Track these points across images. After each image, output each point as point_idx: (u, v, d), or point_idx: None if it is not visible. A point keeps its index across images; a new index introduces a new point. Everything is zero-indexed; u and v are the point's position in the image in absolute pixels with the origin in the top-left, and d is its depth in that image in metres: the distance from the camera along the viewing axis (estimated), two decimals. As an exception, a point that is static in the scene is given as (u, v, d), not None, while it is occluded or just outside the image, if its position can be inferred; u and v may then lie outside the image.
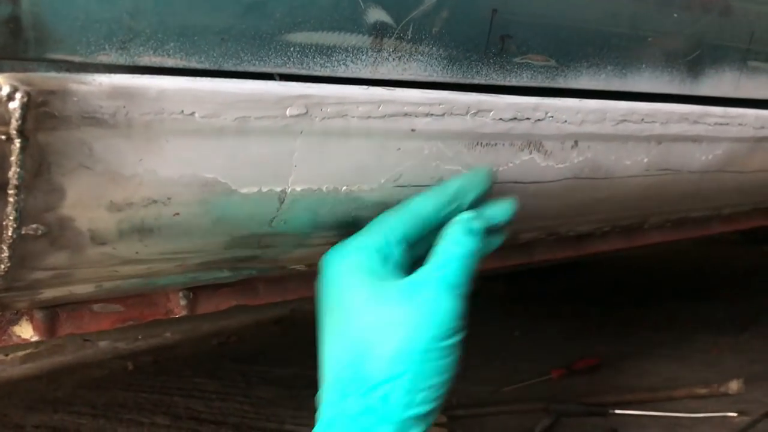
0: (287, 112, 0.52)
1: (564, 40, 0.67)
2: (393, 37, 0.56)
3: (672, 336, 2.05)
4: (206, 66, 0.48)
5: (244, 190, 0.53)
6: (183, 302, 0.64)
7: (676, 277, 2.88)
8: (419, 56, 0.58)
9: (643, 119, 0.75)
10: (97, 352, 2.44)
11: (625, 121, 0.73)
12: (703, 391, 1.58)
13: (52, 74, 0.43)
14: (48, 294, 0.55)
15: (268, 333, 2.53)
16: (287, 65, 0.52)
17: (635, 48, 0.74)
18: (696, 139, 0.82)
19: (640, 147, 0.77)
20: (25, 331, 0.57)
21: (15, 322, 0.57)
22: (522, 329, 2.21)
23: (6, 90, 0.41)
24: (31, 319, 0.58)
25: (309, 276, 0.74)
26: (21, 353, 2.43)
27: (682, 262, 3.03)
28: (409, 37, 0.56)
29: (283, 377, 1.91)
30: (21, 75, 0.41)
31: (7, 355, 2.49)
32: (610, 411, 1.50)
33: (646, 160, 0.79)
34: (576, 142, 0.71)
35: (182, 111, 0.47)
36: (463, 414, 1.53)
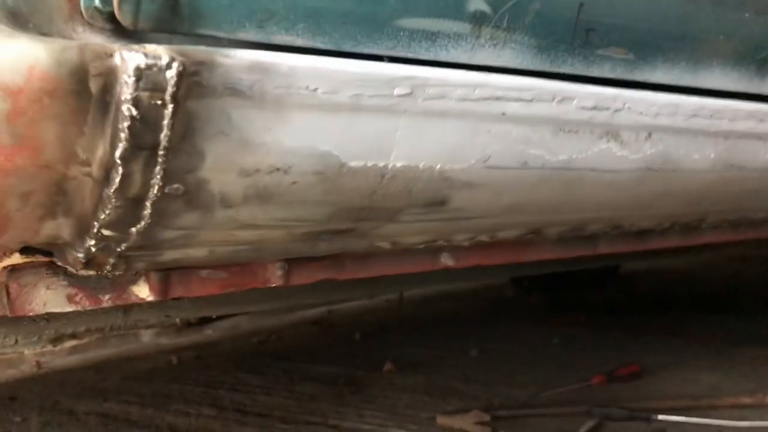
0: (395, 92, 0.56)
1: (642, 35, 0.70)
2: (490, 26, 0.60)
3: (712, 347, 2.05)
4: (328, 46, 0.53)
5: (352, 164, 0.57)
6: (279, 272, 0.69)
7: (713, 289, 2.87)
8: (512, 44, 0.62)
9: (712, 115, 0.78)
10: (141, 346, 2.49)
11: (695, 116, 0.76)
12: (747, 400, 1.58)
13: (203, 48, 0.47)
14: (167, 256, 0.59)
15: (307, 333, 2.57)
16: (396, 48, 0.56)
17: (707, 46, 0.77)
18: (762, 137, 0.84)
19: (708, 142, 0.80)
20: (143, 291, 0.62)
21: (134, 282, 0.62)
22: (561, 337, 2.22)
23: (165, 59, 0.45)
24: (148, 280, 0.62)
25: (392, 255, 0.78)
26: (68, 344, 2.50)
27: (720, 276, 3.02)
28: (505, 26, 0.60)
29: (325, 374, 1.94)
30: (177, 47, 0.46)
31: (55, 345, 2.57)
32: (654, 416, 1.51)
33: (713, 155, 0.81)
34: (650, 134, 0.74)
35: (308, 86, 0.52)
36: (505, 414, 1.55)
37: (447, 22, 0.57)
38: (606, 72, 0.69)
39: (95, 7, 0.46)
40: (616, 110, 0.69)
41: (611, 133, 0.71)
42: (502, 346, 2.15)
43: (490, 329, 2.37)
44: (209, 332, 2.62)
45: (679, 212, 0.95)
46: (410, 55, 0.57)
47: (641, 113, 0.71)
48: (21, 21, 0.44)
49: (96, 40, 0.47)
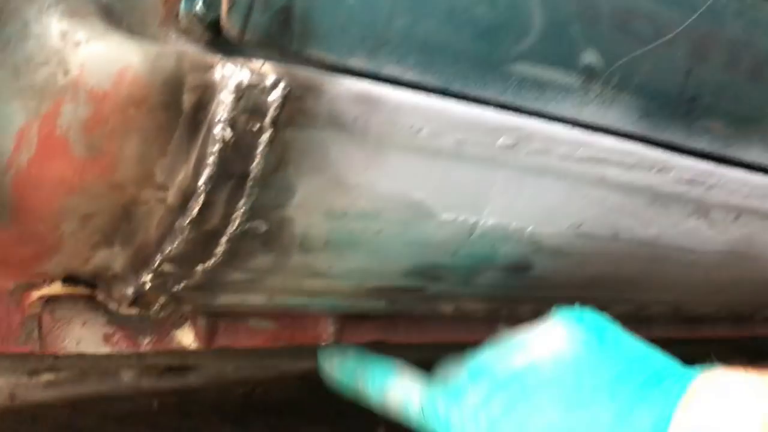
0: (498, 142, 0.51)
1: (743, 111, 0.66)
2: (600, 82, 0.55)
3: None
4: (437, 84, 0.47)
5: (442, 216, 0.51)
6: (332, 329, 0.62)
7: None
8: (618, 104, 0.57)
9: (798, 201, 0.73)
10: (120, 386, 2.37)
11: (784, 200, 0.72)
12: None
13: (312, 70, 0.42)
14: (222, 300, 0.52)
15: (295, 388, 2.46)
16: (505, 94, 0.51)
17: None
18: (843, 230, 0.80)
19: (790, 230, 0.75)
20: (187, 338, 0.55)
21: (178, 326, 0.55)
22: None
23: (271, 80, 0.40)
24: (194, 326, 0.55)
25: (450, 321, 0.71)
26: (44, 378, 2.38)
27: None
28: (614, 84, 0.56)
29: (315, 435, 1.83)
30: (284, 67, 0.41)
31: (30, 377, 2.44)
32: None
33: (792, 244, 0.77)
34: (738, 215, 0.69)
35: (412, 126, 0.46)
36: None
37: (558, 72, 0.53)
38: (703, 144, 0.64)
39: (195, 13, 0.41)
40: (710, 187, 0.64)
41: (702, 210, 0.65)
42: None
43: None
44: (192, 378, 2.50)
45: (743, 300, 0.90)
46: (517, 103, 0.52)
47: (733, 192, 0.67)
48: (115, 19, 0.39)
49: (190, 49, 0.41)
